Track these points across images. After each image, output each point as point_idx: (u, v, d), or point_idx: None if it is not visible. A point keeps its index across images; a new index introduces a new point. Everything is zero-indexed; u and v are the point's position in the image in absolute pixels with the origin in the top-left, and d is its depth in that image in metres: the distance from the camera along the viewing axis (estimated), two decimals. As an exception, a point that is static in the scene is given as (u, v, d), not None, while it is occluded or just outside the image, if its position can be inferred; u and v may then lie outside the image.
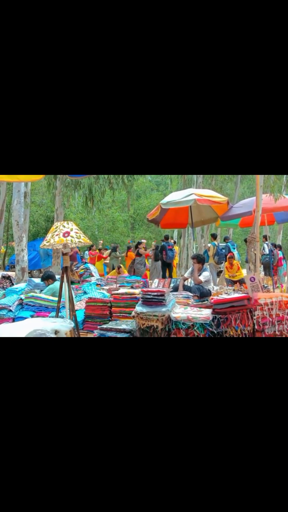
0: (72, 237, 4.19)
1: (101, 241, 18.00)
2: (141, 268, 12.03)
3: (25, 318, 5.25)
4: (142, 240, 13.85)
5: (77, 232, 4.26)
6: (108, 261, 14.58)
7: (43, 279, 6.58)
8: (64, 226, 4.28)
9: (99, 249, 15.34)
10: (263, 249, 10.98)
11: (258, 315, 3.71)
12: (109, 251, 14.98)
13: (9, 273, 9.53)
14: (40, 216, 22.00)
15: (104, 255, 14.68)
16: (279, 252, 12.45)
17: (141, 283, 7.66)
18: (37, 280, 6.88)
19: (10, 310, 5.80)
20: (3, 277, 8.59)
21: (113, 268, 13.69)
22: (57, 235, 4.20)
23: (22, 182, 9.32)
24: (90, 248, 14.95)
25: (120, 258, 14.12)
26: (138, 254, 12.10)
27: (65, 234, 4.19)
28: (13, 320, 5.58)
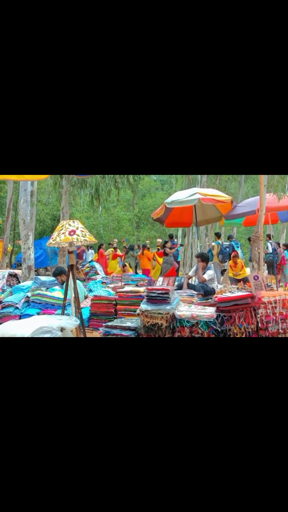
0: (77, 235, 4.19)
1: (116, 240, 17.99)
2: (168, 267, 12.00)
3: (32, 315, 5.26)
4: (152, 240, 13.83)
5: (82, 231, 4.26)
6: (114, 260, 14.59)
7: (55, 275, 6.58)
8: (70, 225, 4.28)
9: (115, 248, 15.34)
10: (267, 248, 10.96)
11: (261, 313, 3.69)
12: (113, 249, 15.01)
13: (16, 271, 9.52)
14: (46, 214, 22.04)
15: (120, 254, 14.70)
16: (284, 251, 12.40)
17: (146, 281, 7.67)
18: (44, 278, 6.89)
19: (17, 308, 5.82)
20: (10, 275, 8.58)
21: (130, 267, 13.75)
22: (63, 233, 4.20)
23: (29, 181, 9.33)
24: (100, 247, 14.98)
25: (136, 257, 14.14)
26: (165, 254, 12.07)
27: (71, 232, 4.19)
28: (20, 317, 5.60)
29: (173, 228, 18.49)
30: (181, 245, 13.74)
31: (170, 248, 12.12)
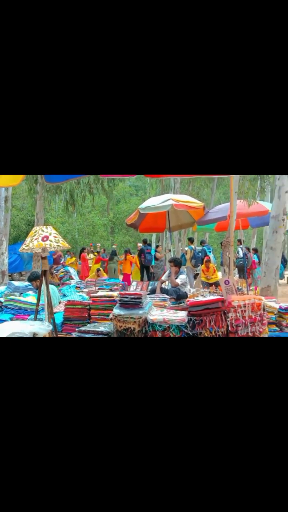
0: (51, 241, 4.14)
1: (99, 244, 17.93)
2: (159, 271, 12.00)
3: (5, 320, 5.17)
4: (123, 244, 13.90)
5: (55, 236, 4.21)
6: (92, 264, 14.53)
7: (30, 279, 6.47)
8: (43, 231, 4.22)
9: (98, 252, 15.29)
10: (238, 252, 11.09)
11: (231, 317, 3.72)
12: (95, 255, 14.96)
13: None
14: (21, 220, 21.78)
15: (104, 258, 14.68)
16: (254, 255, 12.57)
17: (120, 285, 7.65)
18: (17, 283, 6.78)
19: (-10, 313, 5.72)
20: None
21: (114, 272, 13.71)
22: (36, 239, 4.14)
23: (2, 187, 9.19)
24: (82, 251, 14.96)
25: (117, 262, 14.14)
26: (156, 258, 12.07)
27: (44, 238, 4.13)
28: (-7, 323, 5.49)
29: (147, 234, 18.53)
30: (169, 250, 13.79)
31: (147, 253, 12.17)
